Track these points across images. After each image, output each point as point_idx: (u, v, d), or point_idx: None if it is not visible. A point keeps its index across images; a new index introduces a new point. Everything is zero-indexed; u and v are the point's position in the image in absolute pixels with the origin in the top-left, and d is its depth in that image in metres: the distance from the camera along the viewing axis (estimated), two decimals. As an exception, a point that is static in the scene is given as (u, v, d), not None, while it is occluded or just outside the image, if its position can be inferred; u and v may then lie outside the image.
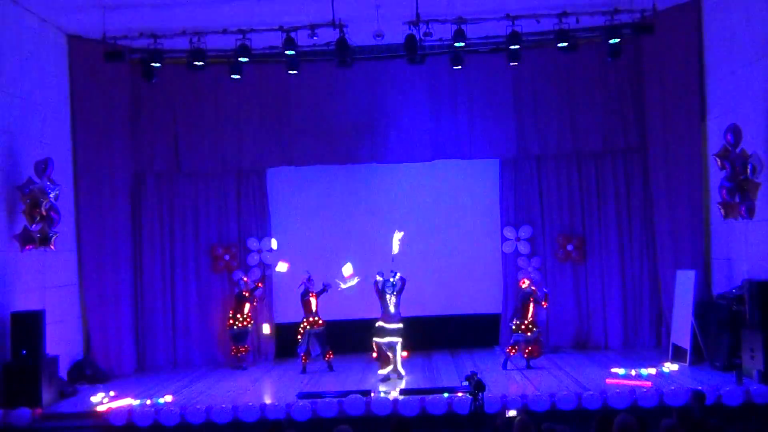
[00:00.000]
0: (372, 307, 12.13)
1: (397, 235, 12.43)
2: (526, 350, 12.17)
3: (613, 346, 13.77)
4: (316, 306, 12.62)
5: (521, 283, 12.70)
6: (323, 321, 12.63)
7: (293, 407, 9.89)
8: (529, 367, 12.05)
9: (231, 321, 13.40)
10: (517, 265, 14.13)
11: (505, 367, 12.10)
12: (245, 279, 13.73)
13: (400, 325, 11.86)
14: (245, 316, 13.40)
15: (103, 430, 10.00)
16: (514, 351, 12.24)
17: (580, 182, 14.18)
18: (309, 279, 12.69)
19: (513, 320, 12.44)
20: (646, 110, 13.58)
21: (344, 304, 13.09)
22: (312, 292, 12.60)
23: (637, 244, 13.90)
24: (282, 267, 13.45)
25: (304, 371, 12.50)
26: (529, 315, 12.28)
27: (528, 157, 14.21)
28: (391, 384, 11.33)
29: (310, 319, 12.54)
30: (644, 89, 13.57)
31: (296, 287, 12.77)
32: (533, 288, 12.50)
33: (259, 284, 13.81)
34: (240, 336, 13.42)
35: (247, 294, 13.45)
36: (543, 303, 12.46)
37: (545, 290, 12.79)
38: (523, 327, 12.21)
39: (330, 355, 12.64)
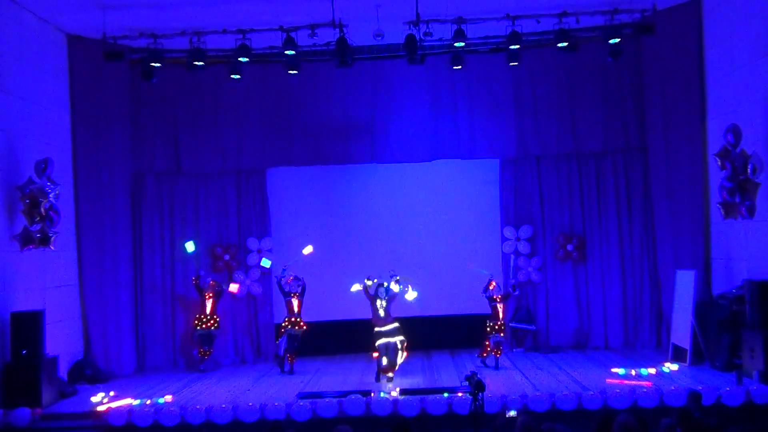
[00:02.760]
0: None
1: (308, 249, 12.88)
2: (496, 351, 12.32)
3: (613, 346, 13.77)
4: (299, 307, 12.60)
5: (490, 286, 12.64)
6: (304, 324, 12.61)
7: (293, 407, 9.89)
8: (497, 367, 12.20)
9: (195, 321, 13.29)
10: (517, 265, 14.14)
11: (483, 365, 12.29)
12: (193, 279, 13.42)
13: (397, 324, 11.88)
14: (207, 317, 13.19)
15: (103, 430, 9.99)
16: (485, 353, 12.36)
17: (580, 182, 14.18)
18: (283, 272, 12.64)
19: (488, 322, 12.47)
20: (646, 110, 13.58)
21: (344, 304, 13.09)
22: (293, 293, 12.56)
23: (637, 244, 13.90)
24: (308, 249, 13.17)
25: (291, 372, 12.48)
26: (500, 316, 12.37)
27: (528, 157, 14.22)
28: (389, 384, 11.31)
29: (292, 319, 12.54)
30: (644, 89, 13.57)
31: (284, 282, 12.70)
32: (491, 289, 12.50)
33: (194, 279, 13.37)
34: (201, 338, 13.25)
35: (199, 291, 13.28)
36: (496, 297, 12.43)
37: (511, 288, 12.79)
38: (496, 327, 12.34)
39: (292, 358, 12.57)
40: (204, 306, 13.25)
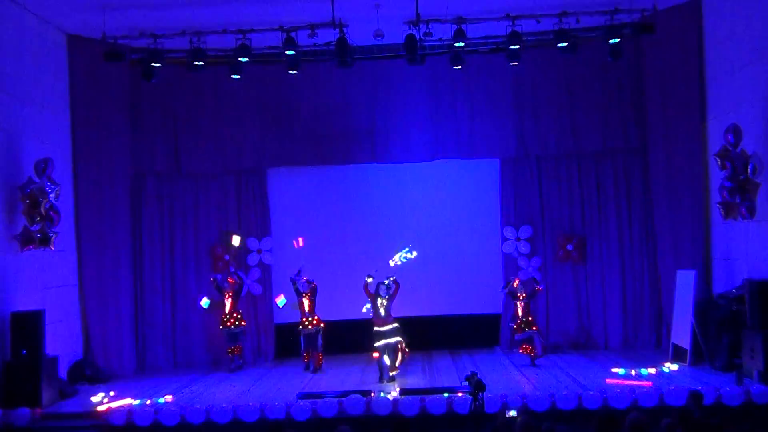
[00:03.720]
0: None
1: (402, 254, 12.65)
2: (521, 348, 12.30)
3: (613, 346, 13.77)
4: (310, 306, 12.64)
5: (514, 284, 12.68)
6: (318, 320, 12.66)
7: (293, 407, 9.89)
8: (533, 364, 12.13)
9: (223, 320, 13.32)
10: (517, 265, 14.14)
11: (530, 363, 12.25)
12: (213, 279, 13.48)
13: (396, 324, 11.89)
14: (230, 315, 13.19)
15: (103, 430, 9.99)
16: (522, 350, 12.32)
17: (580, 182, 14.19)
18: (298, 273, 12.71)
19: (511, 323, 12.50)
20: (646, 110, 13.59)
21: (344, 304, 13.08)
22: (304, 292, 12.63)
23: (637, 244, 13.90)
24: (281, 301, 13.52)
25: (306, 369, 12.61)
26: (519, 314, 12.38)
27: (528, 157, 14.22)
28: (391, 384, 11.31)
29: (303, 319, 12.63)
30: (644, 89, 13.58)
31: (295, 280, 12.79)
32: (515, 287, 12.53)
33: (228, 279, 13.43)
34: (229, 336, 13.25)
35: (219, 290, 13.29)
36: (520, 295, 12.43)
37: (538, 287, 12.75)
38: (515, 327, 12.38)
39: (308, 356, 12.65)
40: (224, 305, 13.24)
